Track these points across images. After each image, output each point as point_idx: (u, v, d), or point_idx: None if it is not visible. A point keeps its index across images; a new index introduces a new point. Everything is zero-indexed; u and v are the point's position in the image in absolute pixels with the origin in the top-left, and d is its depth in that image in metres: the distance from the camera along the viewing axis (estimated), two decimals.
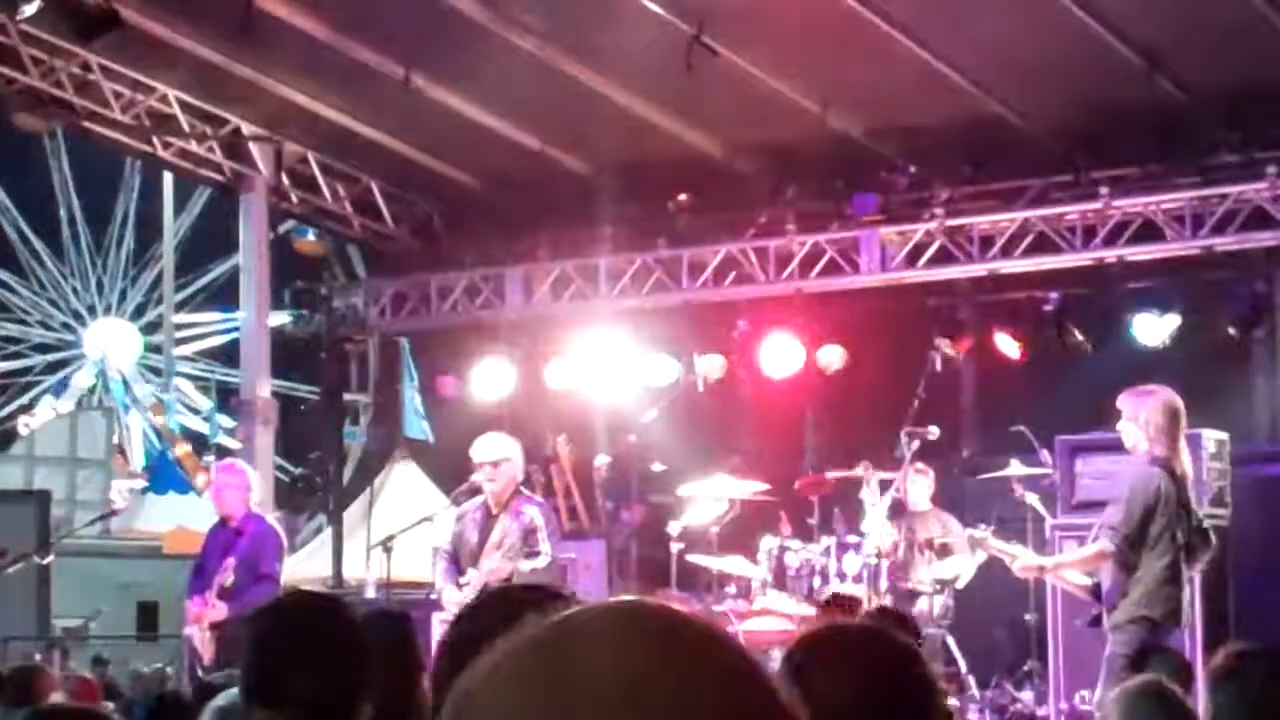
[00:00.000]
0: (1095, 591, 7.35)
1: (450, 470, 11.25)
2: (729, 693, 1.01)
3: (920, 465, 10.29)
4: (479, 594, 8.41)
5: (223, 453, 21.85)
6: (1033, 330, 12.10)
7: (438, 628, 9.43)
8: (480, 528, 8.60)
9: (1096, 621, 7.29)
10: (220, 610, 8.80)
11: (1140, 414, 7.32)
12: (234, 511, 9.25)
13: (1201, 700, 4.58)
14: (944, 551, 10.48)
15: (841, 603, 9.01)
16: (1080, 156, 11.66)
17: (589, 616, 1.04)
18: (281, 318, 14.86)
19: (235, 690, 3.45)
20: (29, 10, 10.39)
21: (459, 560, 8.67)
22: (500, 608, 2.59)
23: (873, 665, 2.37)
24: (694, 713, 0.99)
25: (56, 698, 5.84)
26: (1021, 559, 7.73)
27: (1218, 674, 3.78)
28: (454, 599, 8.53)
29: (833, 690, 2.24)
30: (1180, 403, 7.36)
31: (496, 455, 8.62)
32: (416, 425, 15.26)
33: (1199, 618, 8.77)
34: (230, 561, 8.85)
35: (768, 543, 10.31)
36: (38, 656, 10.98)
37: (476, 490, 8.90)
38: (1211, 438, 10.38)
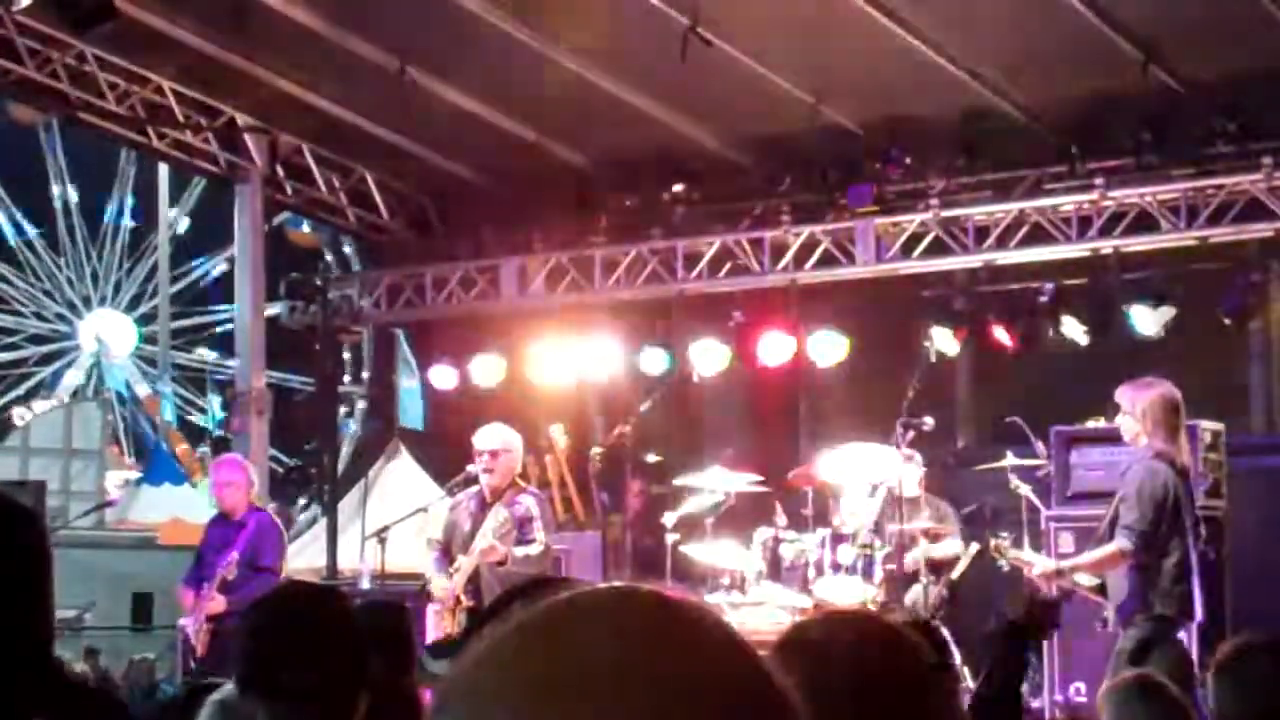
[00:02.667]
0: (1102, 590, 7.34)
1: (445, 461, 11.27)
2: (721, 675, 1.01)
3: (908, 451, 10.28)
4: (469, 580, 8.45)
5: (218, 444, 21.84)
6: (1028, 321, 12.08)
7: (432, 619, 9.45)
8: (473, 517, 8.61)
9: (1107, 623, 7.27)
10: (219, 602, 8.81)
11: (1138, 407, 7.29)
12: (236, 506, 9.26)
13: (1200, 692, 4.57)
14: (937, 539, 10.48)
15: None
16: (1075, 147, 11.65)
17: (581, 600, 1.04)
18: (276, 309, 14.86)
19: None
20: (24, 1, 10.37)
21: (450, 551, 8.67)
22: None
23: (863, 648, 2.38)
24: (686, 694, 0.99)
25: None
26: (1039, 565, 7.70)
27: (1223, 666, 3.76)
28: (443, 586, 8.53)
29: (825, 673, 2.25)
30: (1179, 395, 7.34)
31: (497, 445, 8.63)
32: (416, 415, 15.25)
33: (1199, 607, 8.77)
34: (234, 555, 8.86)
35: (762, 534, 10.32)
36: None
37: (472, 480, 8.91)
38: (1207, 428, 10.40)
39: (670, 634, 1.01)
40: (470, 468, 8.86)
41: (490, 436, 8.71)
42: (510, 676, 1.00)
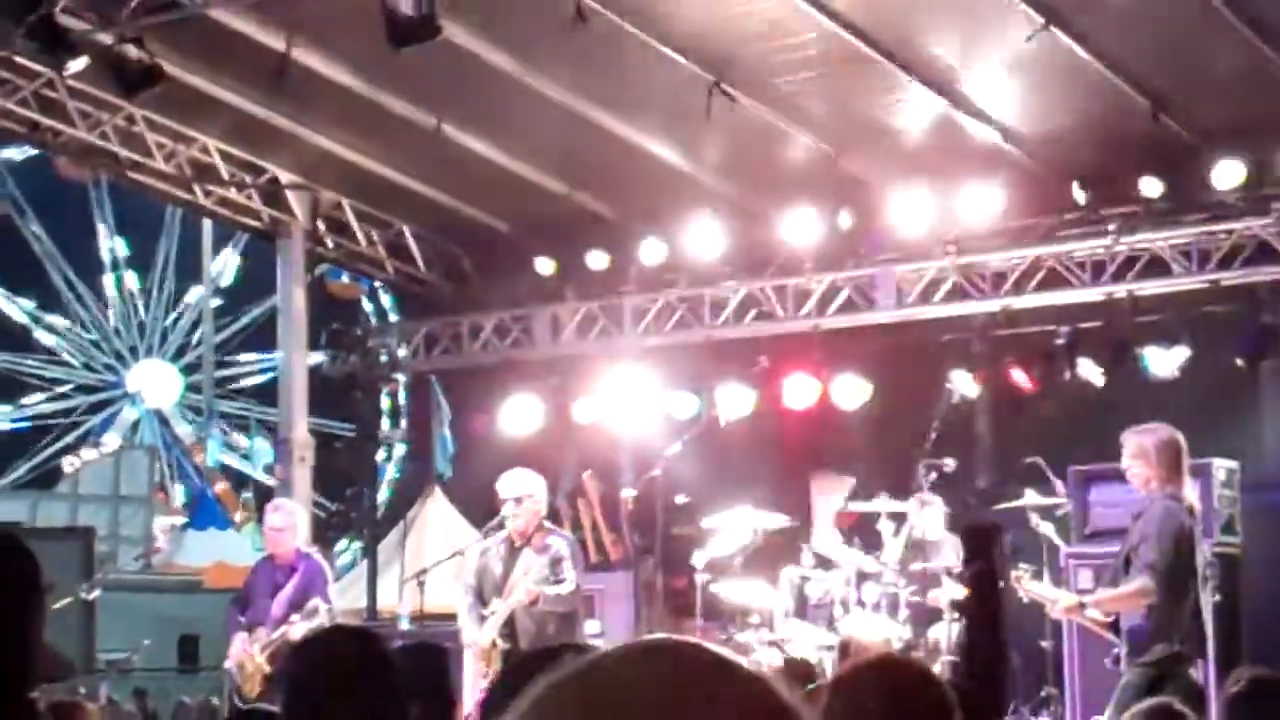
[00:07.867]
0: (1114, 627, 7.43)
1: (481, 505, 11.53)
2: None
3: (926, 495, 10.49)
4: (504, 627, 8.67)
5: (260, 490, 22.21)
6: (1045, 363, 12.27)
7: (470, 660, 9.72)
8: (504, 561, 8.84)
9: (1118, 660, 7.35)
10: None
11: (1142, 451, 7.42)
12: (287, 551, 9.37)
13: None
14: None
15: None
16: (1089, 195, 11.88)
17: (613, 658, 1.05)
18: (318, 358, 15.22)
19: None
20: (76, 66, 10.75)
21: (482, 594, 8.89)
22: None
23: (898, 688, 2.67)
24: None
25: None
26: (1062, 601, 7.78)
27: (1233, 699, 3.86)
28: (473, 638, 8.72)
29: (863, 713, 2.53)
30: (1181, 437, 7.42)
31: (519, 491, 8.79)
32: (444, 462, 15.52)
33: (1211, 644, 8.95)
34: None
35: (789, 573, 10.56)
36: (82, 690, 11.30)
37: (505, 525, 9.15)
38: (1222, 466, 10.57)
39: (701, 688, 1.01)
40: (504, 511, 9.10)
41: (513, 483, 8.85)
42: None
